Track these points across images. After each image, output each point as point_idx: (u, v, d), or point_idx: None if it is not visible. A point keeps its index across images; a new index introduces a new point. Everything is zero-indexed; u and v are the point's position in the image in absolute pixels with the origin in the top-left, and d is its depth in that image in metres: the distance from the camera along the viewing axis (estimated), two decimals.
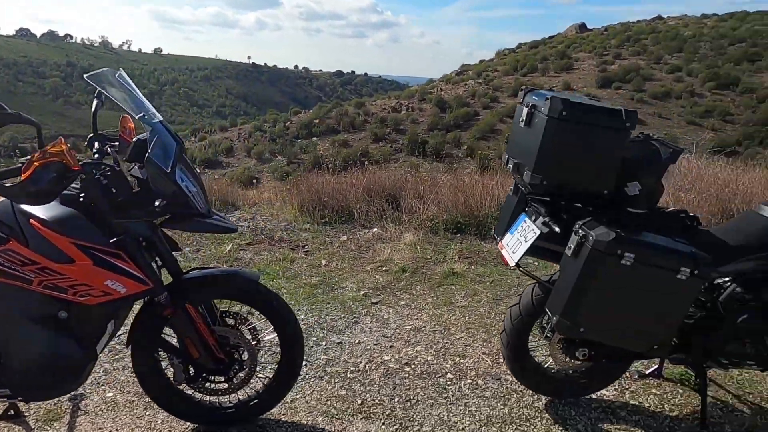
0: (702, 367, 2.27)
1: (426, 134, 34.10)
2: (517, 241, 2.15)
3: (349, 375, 2.62)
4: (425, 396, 2.46)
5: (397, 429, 2.25)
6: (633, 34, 52.40)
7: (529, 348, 2.36)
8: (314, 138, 35.78)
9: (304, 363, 2.70)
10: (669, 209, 2.17)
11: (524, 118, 2.03)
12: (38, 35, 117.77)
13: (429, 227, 4.88)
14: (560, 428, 2.29)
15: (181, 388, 2.11)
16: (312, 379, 2.58)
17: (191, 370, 2.01)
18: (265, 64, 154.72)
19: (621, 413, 2.40)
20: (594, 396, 2.50)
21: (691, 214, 2.16)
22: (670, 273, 1.78)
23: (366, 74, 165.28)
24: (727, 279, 2.23)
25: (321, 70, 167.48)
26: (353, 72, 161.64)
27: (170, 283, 1.98)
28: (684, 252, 1.80)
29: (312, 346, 2.89)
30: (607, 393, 2.54)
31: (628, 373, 2.68)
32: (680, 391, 2.57)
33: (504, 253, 2.21)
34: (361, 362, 2.74)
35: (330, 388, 2.51)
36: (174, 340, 2.02)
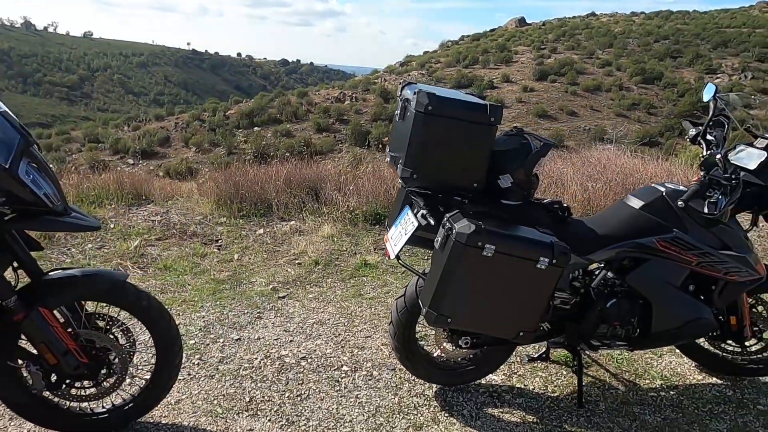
0: (577, 350, 2.39)
1: (369, 125, 34.20)
2: (399, 234, 2.17)
3: (241, 372, 2.57)
4: (317, 390, 2.46)
5: (283, 425, 2.23)
6: (569, 29, 54.50)
7: (417, 338, 2.41)
8: (256, 128, 35.02)
9: (196, 362, 2.64)
10: (544, 200, 2.26)
11: (399, 111, 2.05)
12: None
13: (348, 219, 4.87)
14: (446, 414, 2.35)
15: (46, 395, 1.99)
16: (202, 378, 2.51)
17: (53, 377, 1.90)
18: (206, 51, 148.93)
19: (506, 396, 2.49)
20: (483, 381, 2.59)
21: (565, 205, 2.26)
22: (530, 263, 1.85)
23: (312, 63, 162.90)
24: (599, 266, 2.35)
25: (265, 59, 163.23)
26: (299, 61, 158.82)
27: (25, 285, 1.85)
28: (543, 242, 1.88)
29: (208, 344, 2.82)
30: (496, 378, 2.63)
31: (518, 358, 2.80)
32: (564, 372, 2.70)
33: (387, 245, 2.22)
34: (256, 358, 2.69)
35: (219, 386, 2.45)
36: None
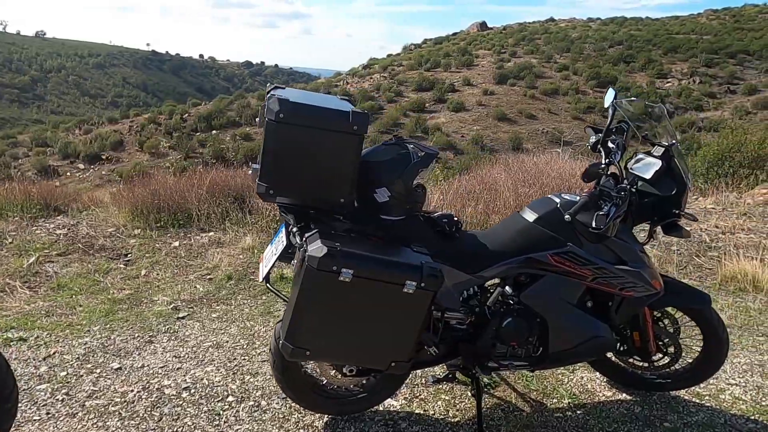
0: (473, 372, 2.24)
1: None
2: (270, 254, 1.97)
3: (110, 408, 2.31)
4: (192, 426, 2.22)
5: None
6: (528, 34, 55.59)
7: (303, 365, 2.20)
8: (214, 131, 34.17)
9: (61, 398, 2.36)
10: (434, 214, 2.10)
11: (258, 119, 1.85)
12: None
13: (274, 229, 4.63)
14: None
15: None
16: (61, 418, 2.24)
17: None
18: (167, 52, 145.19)
19: (402, 424, 2.32)
20: (381, 408, 2.41)
21: (455, 219, 2.10)
22: (396, 287, 1.67)
23: (276, 66, 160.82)
24: (494, 283, 2.21)
25: (229, 60, 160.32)
26: (263, 63, 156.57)
27: None
28: (410, 264, 1.71)
29: (82, 376, 2.54)
30: (396, 403, 2.46)
31: (423, 380, 2.63)
32: (469, 394, 2.55)
33: (260, 266, 2.02)
34: (132, 391, 2.43)
35: (79, 427, 2.19)
36: None
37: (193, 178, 5.21)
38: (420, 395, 2.52)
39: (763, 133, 8.35)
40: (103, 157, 32.48)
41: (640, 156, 2.27)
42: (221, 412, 2.32)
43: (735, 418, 2.51)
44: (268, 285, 1.97)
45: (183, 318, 3.16)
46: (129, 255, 4.13)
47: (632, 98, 2.26)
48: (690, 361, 2.56)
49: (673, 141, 2.23)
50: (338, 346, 1.75)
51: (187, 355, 2.76)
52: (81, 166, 31.11)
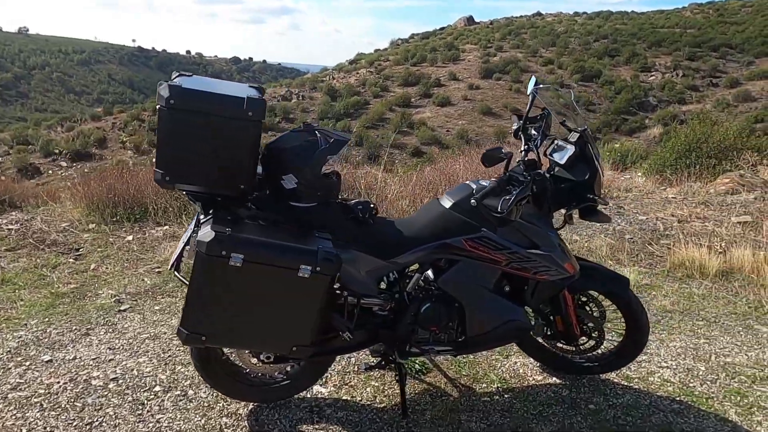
0: (393, 358, 2.26)
1: (316, 123, 33.78)
2: (181, 241, 1.97)
3: (33, 400, 2.30)
4: (114, 416, 2.22)
5: None
6: (515, 28, 55.68)
7: (224, 352, 2.21)
8: None
9: None
10: (350, 201, 2.11)
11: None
12: None
13: None
14: None
15: None
16: None
17: None
18: (153, 48, 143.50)
19: (327, 411, 2.34)
20: (308, 395, 2.43)
21: (371, 206, 2.11)
22: (290, 271, 1.69)
23: (264, 61, 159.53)
24: (413, 269, 2.23)
25: (216, 56, 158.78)
26: (251, 59, 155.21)
27: None
28: (304, 249, 1.72)
29: (10, 368, 2.53)
30: (324, 390, 2.48)
31: (356, 367, 2.66)
32: (392, 380, 2.57)
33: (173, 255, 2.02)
34: (59, 382, 2.43)
35: None
36: None
37: (150, 172, 5.17)
38: (350, 382, 2.54)
39: (729, 124, 8.45)
40: (93, 153, 32.09)
41: (558, 142, 2.30)
42: (146, 402, 2.32)
43: (660, 400, 2.56)
44: (176, 273, 1.97)
45: (124, 310, 3.15)
46: (80, 249, 4.10)
47: (552, 86, 2.28)
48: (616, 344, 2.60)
49: (584, 127, 2.26)
50: (235, 331, 1.76)
51: (122, 347, 2.76)
52: (63, 164, 30.72)
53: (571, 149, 2.21)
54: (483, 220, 2.10)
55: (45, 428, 2.13)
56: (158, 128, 1.68)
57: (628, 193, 6.50)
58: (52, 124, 37.72)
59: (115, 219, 4.63)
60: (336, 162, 1.95)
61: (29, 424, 2.15)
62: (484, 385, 2.59)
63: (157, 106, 1.66)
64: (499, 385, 2.59)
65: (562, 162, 2.21)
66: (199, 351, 2.10)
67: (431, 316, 2.17)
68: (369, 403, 2.41)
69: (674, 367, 2.85)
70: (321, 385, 2.50)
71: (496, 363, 2.77)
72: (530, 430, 2.30)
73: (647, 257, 4.35)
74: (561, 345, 2.56)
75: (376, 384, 2.53)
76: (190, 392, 2.40)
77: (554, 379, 2.66)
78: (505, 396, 2.52)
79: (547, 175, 2.19)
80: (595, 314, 2.51)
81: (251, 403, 2.32)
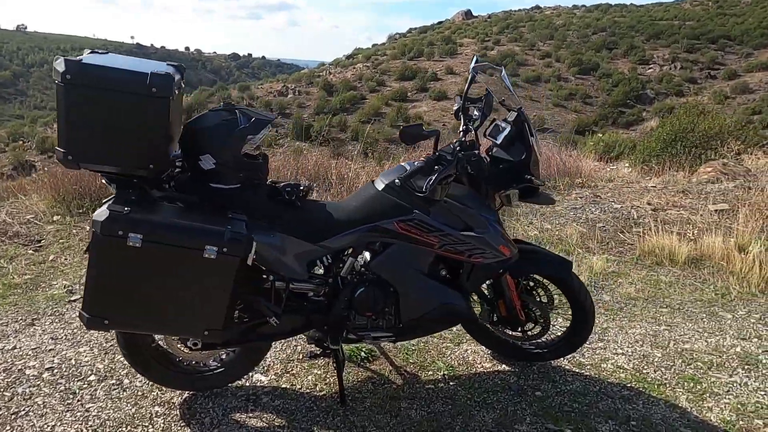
0: (326, 344, 2.20)
1: (312, 118, 33.62)
2: None
3: None
4: (42, 405, 2.17)
5: None
6: (513, 22, 55.41)
7: (155, 340, 2.16)
8: None
9: None
10: (280, 183, 2.05)
11: None
12: None
13: None
14: (182, 424, 2.11)
15: None
16: None
17: None
18: (152, 45, 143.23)
19: (264, 399, 2.28)
20: (247, 383, 2.38)
21: (301, 188, 2.06)
22: (195, 252, 1.63)
23: (264, 57, 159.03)
24: (347, 252, 2.16)
25: (215, 53, 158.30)
26: (250, 55, 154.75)
27: None
28: (210, 230, 1.66)
29: None
30: (265, 378, 2.42)
31: (301, 354, 2.61)
32: (346, 369, 2.52)
33: None
34: None
35: None
36: None
37: None
38: (292, 370, 2.49)
39: (715, 114, 8.36)
40: None
41: (498, 123, 2.24)
42: (78, 391, 2.27)
43: (611, 386, 2.51)
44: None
45: (75, 300, 3.10)
46: (42, 241, 4.05)
47: (491, 64, 2.22)
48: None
49: (519, 105, 2.20)
50: (140, 314, 1.70)
51: (65, 337, 2.71)
52: None
53: (507, 129, 2.14)
54: (416, 202, 2.04)
55: None
56: (57, 105, 1.62)
57: (609, 183, 6.43)
58: (48, 122, 37.65)
59: (81, 211, 4.57)
60: (256, 142, 1.89)
61: None
62: (431, 372, 2.54)
63: (55, 82, 1.60)
64: (446, 372, 2.54)
65: (499, 142, 2.15)
66: (126, 338, 2.05)
67: (365, 301, 2.11)
68: (308, 391, 2.36)
69: (630, 353, 2.79)
70: (262, 373, 2.45)
71: (446, 350, 2.71)
72: (471, 418, 2.25)
73: (618, 245, 4.29)
74: (509, 331, 2.51)
75: (319, 372, 2.48)
76: (126, 381, 2.35)
77: (504, 366, 2.61)
78: (451, 384, 2.47)
79: (485, 156, 2.13)
80: (543, 300, 2.45)
81: (187, 392, 2.27)
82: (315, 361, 2.54)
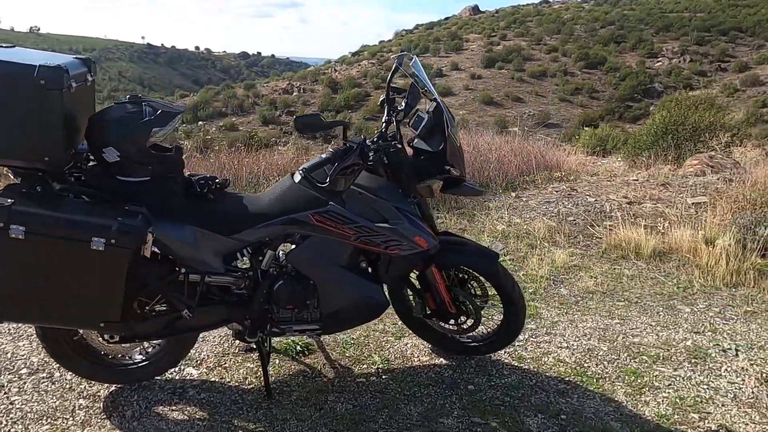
0: (249, 338, 2.19)
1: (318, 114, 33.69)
2: None
3: None
4: None
5: None
6: (520, 16, 54.98)
7: (75, 335, 2.16)
8: (200, 122, 34.07)
9: None
10: (196, 176, 2.05)
11: None
12: None
13: None
14: (102, 417, 2.11)
15: None
16: None
17: None
18: (162, 44, 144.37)
19: (191, 392, 2.28)
20: (177, 376, 2.38)
21: (217, 180, 2.05)
22: (81, 244, 1.63)
23: (273, 56, 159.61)
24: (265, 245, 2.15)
25: (225, 52, 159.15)
26: (259, 53, 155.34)
27: None
28: (97, 222, 1.66)
29: None
30: (196, 371, 2.43)
31: (237, 348, 2.60)
32: (278, 361, 2.52)
33: None
34: None
35: None
36: None
37: None
38: (225, 364, 2.49)
39: (705, 106, 8.21)
40: None
41: (420, 113, 2.21)
42: (6, 384, 2.28)
43: (548, 380, 2.47)
44: None
45: None
46: None
47: (411, 54, 2.19)
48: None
49: (434, 96, 2.17)
50: (32, 306, 1.71)
51: (6, 331, 2.73)
52: None
53: (425, 119, 2.12)
54: (331, 194, 2.02)
55: None
56: None
57: (592, 177, 6.35)
58: None
59: None
60: (164, 135, 1.89)
61: None
62: (365, 366, 2.52)
63: None
64: (380, 366, 2.52)
65: (417, 132, 2.13)
66: (44, 331, 2.06)
67: (283, 294, 2.10)
68: (237, 384, 2.35)
69: (575, 347, 2.75)
70: (194, 367, 2.46)
71: (386, 344, 2.70)
72: (397, 411, 2.23)
73: (586, 239, 4.23)
74: (444, 324, 2.48)
75: (252, 366, 2.47)
76: (57, 375, 2.36)
77: (441, 360, 2.59)
78: (383, 377, 2.45)
79: (400, 146, 2.11)
80: (477, 292, 2.42)
81: (114, 386, 2.28)
82: (250, 354, 2.54)
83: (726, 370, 2.61)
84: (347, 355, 2.59)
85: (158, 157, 1.91)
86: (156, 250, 1.91)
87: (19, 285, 1.66)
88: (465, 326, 2.45)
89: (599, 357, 2.67)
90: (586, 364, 2.61)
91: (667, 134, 7.85)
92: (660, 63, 37.20)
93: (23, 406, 2.16)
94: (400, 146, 2.10)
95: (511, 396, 2.35)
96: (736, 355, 2.74)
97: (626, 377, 2.52)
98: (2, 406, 2.16)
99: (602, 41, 41.02)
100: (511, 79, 34.91)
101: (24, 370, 2.39)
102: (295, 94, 35.69)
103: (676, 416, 2.28)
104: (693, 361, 2.67)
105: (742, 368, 2.62)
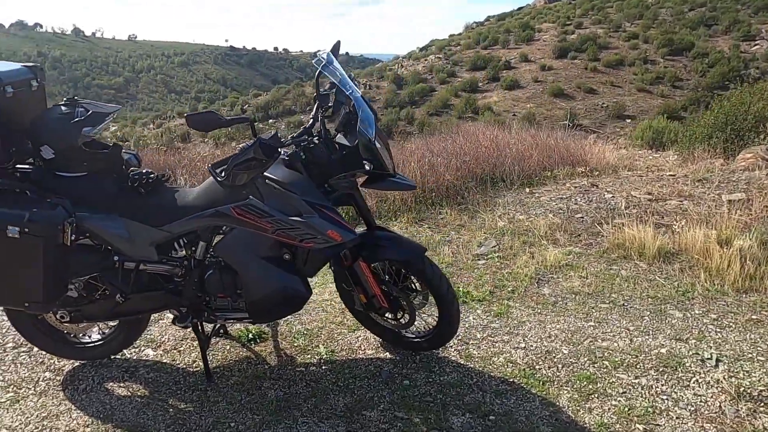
0: (178, 323, 2.32)
1: (381, 112, 33.95)
2: None
3: None
4: None
5: None
6: (599, 2, 51.86)
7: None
8: (270, 120, 35.54)
9: None
10: (134, 173, 2.21)
11: None
12: (6, 25, 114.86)
13: None
14: (59, 388, 2.35)
15: None
16: None
17: None
18: (244, 47, 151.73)
19: (141, 371, 2.47)
20: (135, 356, 2.58)
21: (151, 175, 2.20)
22: None
23: (348, 54, 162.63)
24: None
25: (301, 51, 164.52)
26: None
27: None
28: (12, 212, 1.86)
29: None
30: (153, 352, 2.62)
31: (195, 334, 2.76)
32: (228, 347, 2.65)
33: None
34: None
35: None
36: None
37: None
38: (181, 347, 2.66)
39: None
40: (177, 147, 34.85)
41: (342, 109, 2.23)
42: None
43: (490, 380, 2.41)
44: None
45: None
46: None
47: (326, 51, 2.24)
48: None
49: (351, 90, 2.17)
50: None
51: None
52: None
53: (342, 114, 2.14)
54: (250, 188, 2.10)
55: None
56: None
57: (628, 172, 5.96)
58: (146, 122, 41.53)
59: None
60: (95, 134, 2.06)
61: None
62: (309, 356, 2.59)
63: None
64: (324, 356, 2.58)
65: (336, 127, 2.15)
66: (9, 311, 2.33)
67: (213, 283, 2.22)
68: (185, 367, 2.51)
69: (532, 348, 2.65)
70: (152, 349, 2.65)
71: (337, 336, 2.74)
72: (324, 401, 2.28)
73: (590, 237, 4.01)
74: (383, 319, 2.49)
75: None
76: (35, 350, 2.64)
77: (387, 354, 2.60)
78: (323, 368, 2.50)
79: (318, 141, 2.14)
80: (416, 287, 2.41)
81: (77, 362, 2.51)
82: (211, 339, 2.69)
83: (696, 381, 2.40)
84: (296, 344, 2.67)
85: (92, 154, 2.09)
86: (90, 239, 2.10)
87: None
88: (402, 321, 2.44)
89: (555, 360, 2.55)
90: (537, 366, 2.51)
91: (726, 126, 7.17)
92: (758, 46, 33.63)
93: None
94: (318, 141, 2.14)
95: (445, 394, 2.32)
96: (716, 365, 2.51)
97: (577, 382, 2.39)
98: None
99: (690, 25, 37.76)
100: (584, 69, 33.11)
101: (10, 344, 2.70)
102: (361, 90, 36.15)
103: (617, 426, 2.15)
104: (661, 369, 2.48)
105: (716, 380, 2.40)
